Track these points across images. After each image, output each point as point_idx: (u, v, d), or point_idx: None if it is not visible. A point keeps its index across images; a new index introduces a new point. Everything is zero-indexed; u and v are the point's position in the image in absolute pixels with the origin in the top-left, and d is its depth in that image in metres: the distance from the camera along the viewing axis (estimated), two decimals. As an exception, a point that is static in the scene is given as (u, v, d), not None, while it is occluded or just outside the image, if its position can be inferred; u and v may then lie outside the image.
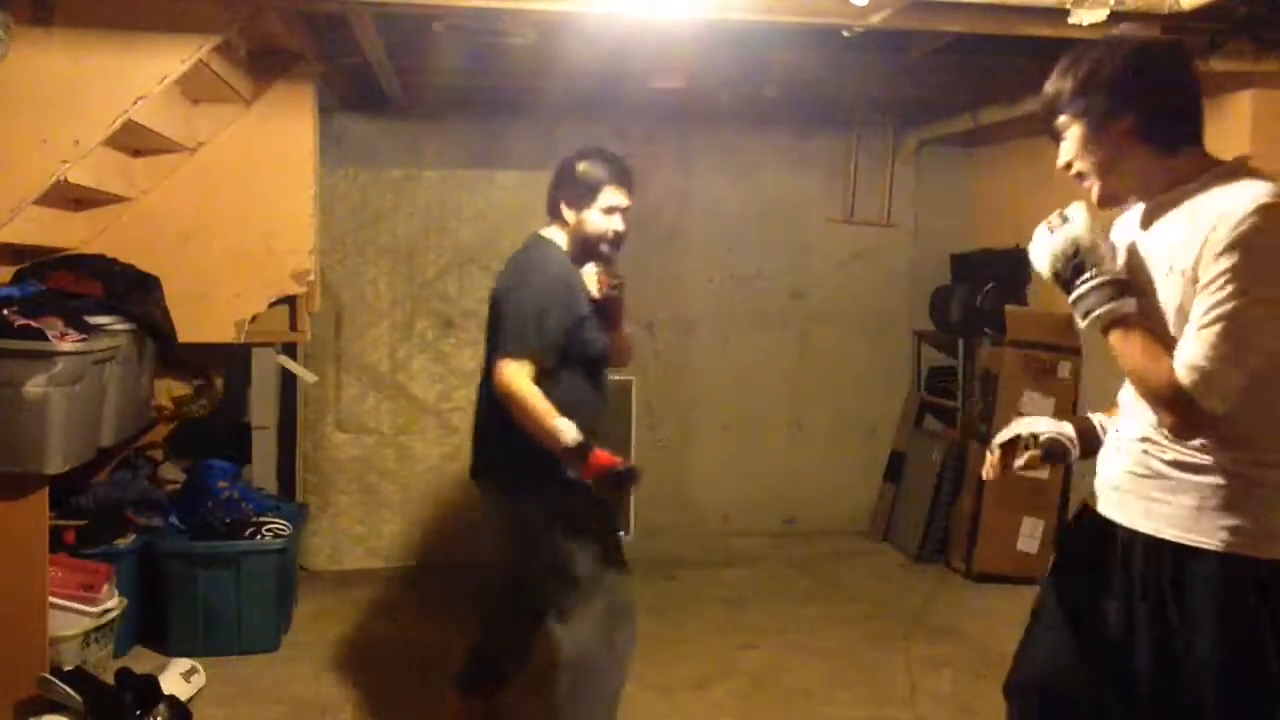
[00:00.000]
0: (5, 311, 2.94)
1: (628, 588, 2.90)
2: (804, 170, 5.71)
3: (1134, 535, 1.86)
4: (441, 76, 4.77)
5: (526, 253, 2.89)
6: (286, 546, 3.92)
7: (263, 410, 4.74)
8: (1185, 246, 1.73)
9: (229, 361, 4.51)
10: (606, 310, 2.89)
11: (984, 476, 2.06)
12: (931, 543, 5.23)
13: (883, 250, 5.80)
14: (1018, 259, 5.28)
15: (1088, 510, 2.01)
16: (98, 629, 3.34)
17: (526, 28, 3.77)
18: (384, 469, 5.05)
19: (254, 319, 3.93)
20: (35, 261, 3.51)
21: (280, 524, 3.92)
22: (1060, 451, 2.02)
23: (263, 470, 4.70)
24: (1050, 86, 1.87)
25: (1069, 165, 1.88)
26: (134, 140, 3.55)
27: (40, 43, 3.09)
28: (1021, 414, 4.73)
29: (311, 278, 4.01)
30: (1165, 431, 1.80)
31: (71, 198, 3.57)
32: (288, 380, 4.92)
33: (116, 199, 3.72)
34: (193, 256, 3.83)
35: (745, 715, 3.49)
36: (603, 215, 2.84)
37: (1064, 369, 4.87)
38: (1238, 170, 1.78)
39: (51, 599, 3.13)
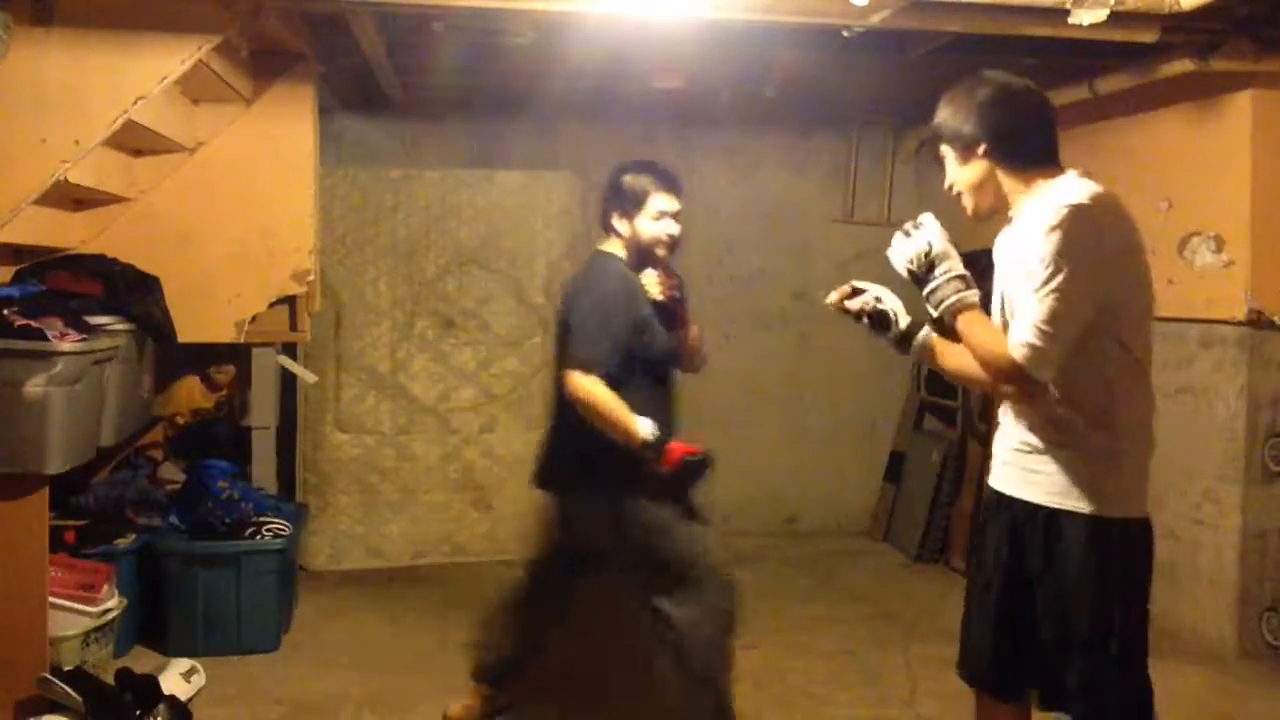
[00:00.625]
0: (5, 311, 2.94)
1: (716, 554, 3.09)
2: (804, 170, 5.71)
3: (1015, 503, 2.16)
4: (441, 76, 4.77)
5: (586, 268, 3.05)
6: (286, 546, 3.92)
7: (263, 410, 4.74)
8: (1024, 248, 2.06)
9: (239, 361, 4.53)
10: (672, 311, 3.01)
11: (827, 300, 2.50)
12: (931, 543, 5.23)
13: (883, 250, 5.74)
14: (1018, 259, 5.29)
15: (987, 486, 2.30)
16: (98, 629, 3.34)
17: (526, 28, 3.77)
18: (384, 469, 5.05)
19: (254, 319, 3.93)
20: (35, 261, 3.51)
21: (280, 524, 3.92)
22: (884, 322, 2.54)
23: (263, 470, 4.70)
24: (935, 119, 2.30)
25: (951, 186, 2.30)
26: (134, 140, 3.55)
27: (40, 43, 3.09)
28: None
29: (311, 278, 4.00)
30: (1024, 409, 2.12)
31: (71, 198, 3.57)
32: (288, 380, 4.91)
33: (116, 199, 3.72)
34: (193, 256, 3.83)
35: (745, 715, 3.48)
36: (653, 221, 2.98)
37: (1064, 369, 4.87)
38: (1068, 179, 2.12)
39: (51, 599, 3.12)
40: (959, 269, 2.21)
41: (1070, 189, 2.05)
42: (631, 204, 2.99)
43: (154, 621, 3.83)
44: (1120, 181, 4.57)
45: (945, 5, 3.25)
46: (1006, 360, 2.02)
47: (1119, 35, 3.40)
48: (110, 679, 3.21)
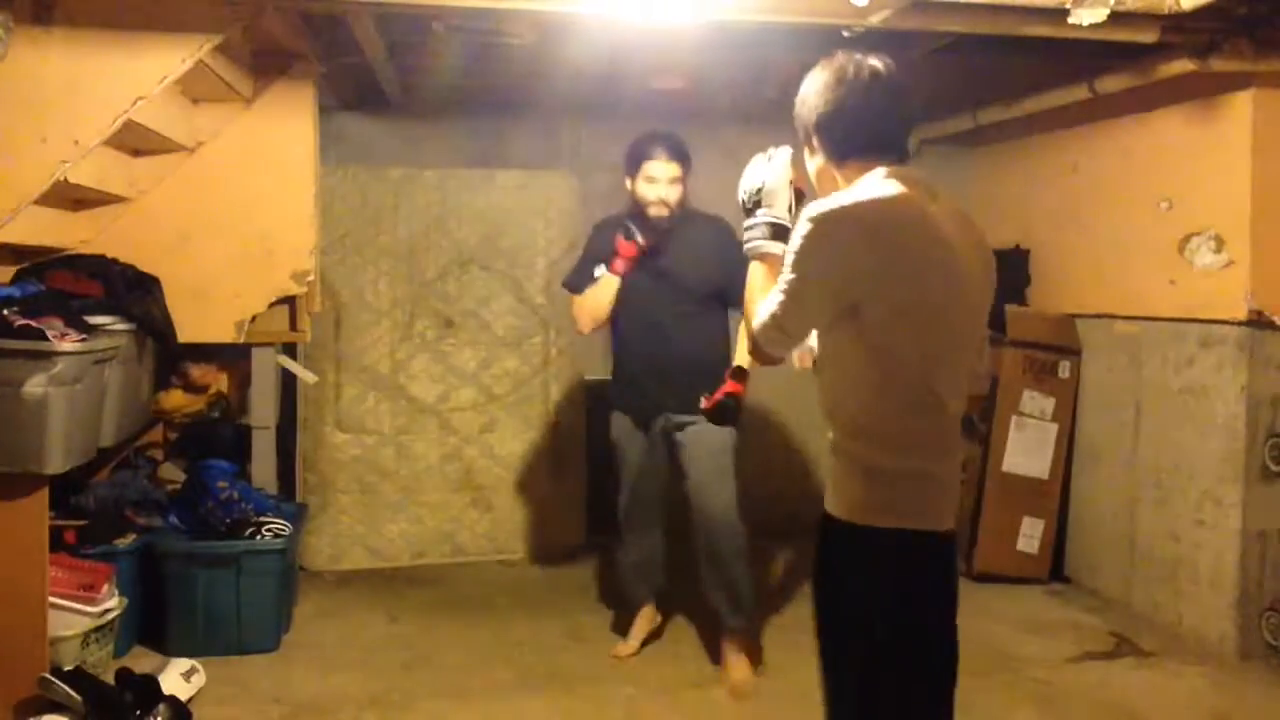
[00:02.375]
0: (5, 311, 2.94)
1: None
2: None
3: None
4: (441, 76, 4.77)
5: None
6: (286, 546, 3.91)
7: (263, 410, 4.74)
8: None
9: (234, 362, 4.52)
10: (638, 259, 3.58)
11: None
12: (931, 543, 5.22)
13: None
14: (1018, 259, 5.29)
15: None
16: (98, 629, 3.34)
17: (526, 28, 3.77)
18: (384, 469, 5.05)
19: (254, 319, 3.93)
20: (35, 261, 3.51)
21: (280, 524, 3.92)
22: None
23: (263, 470, 4.70)
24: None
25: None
26: (134, 140, 3.55)
27: (40, 43, 3.09)
28: (1022, 414, 4.80)
29: (311, 278, 4.00)
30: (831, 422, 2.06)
31: (71, 198, 3.57)
32: (288, 380, 4.91)
33: (116, 199, 3.72)
34: (192, 256, 3.83)
35: (746, 715, 3.48)
36: (645, 184, 3.54)
37: (1064, 369, 4.87)
38: (866, 179, 2.00)
39: (51, 599, 3.13)
40: (778, 215, 2.17)
41: (838, 194, 1.97)
42: (632, 166, 3.57)
43: (154, 621, 3.83)
44: (1120, 181, 4.61)
45: (945, 5, 3.25)
46: (755, 323, 2.04)
47: (1119, 35, 3.41)
48: (110, 679, 3.21)
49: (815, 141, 2.09)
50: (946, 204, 2.00)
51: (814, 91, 2.07)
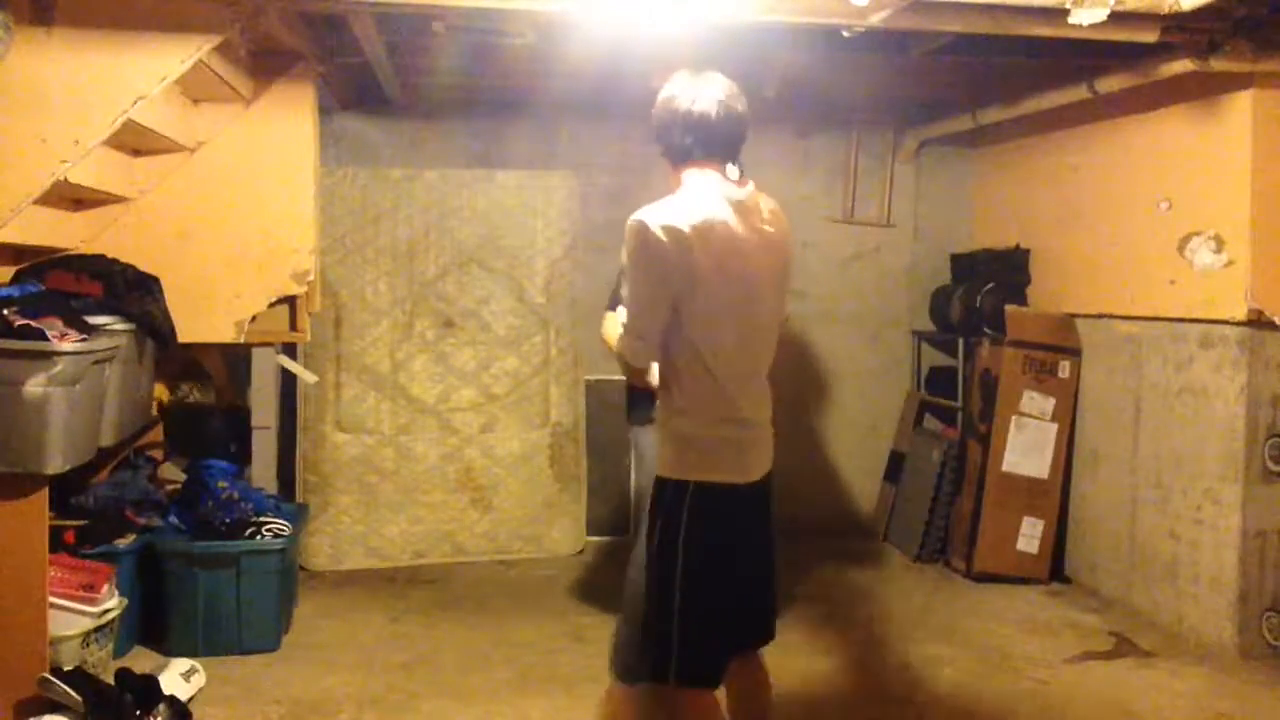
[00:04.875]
0: (5, 311, 2.94)
1: None
2: (804, 170, 5.71)
3: None
4: (441, 76, 4.77)
5: None
6: (286, 546, 3.91)
7: (263, 410, 4.74)
8: None
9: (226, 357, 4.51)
10: None
11: None
12: (931, 543, 5.23)
13: (883, 250, 5.81)
14: (1018, 259, 5.29)
15: None
16: (98, 629, 3.34)
17: (526, 28, 3.77)
18: (384, 469, 5.05)
19: (254, 319, 3.93)
20: (35, 261, 3.51)
21: (280, 524, 3.92)
22: None
23: (263, 470, 4.70)
24: None
25: None
26: (134, 140, 3.55)
27: (40, 43, 3.09)
28: (1022, 414, 4.80)
29: (311, 278, 4.00)
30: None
31: (71, 198, 3.57)
32: (288, 380, 4.91)
33: (116, 199, 3.72)
34: (193, 256, 3.83)
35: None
36: None
37: (1064, 369, 4.88)
38: (685, 186, 2.36)
39: (51, 599, 3.12)
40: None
41: (661, 203, 2.28)
42: None
43: (154, 621, 3.83)
44: (1120, 181, 4.61)
45: (945, 5, 3.24)
46: (616, 347, 2.41)
47: (1119, 35, 3.40)
48: (110, 679, 3.21)
49: (659, 147, 2.42)
50: (754, 207, 2.38)
51: (658, 103, 2.41)
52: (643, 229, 2.23)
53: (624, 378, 2.62)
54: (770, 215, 2.43)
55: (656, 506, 2.40)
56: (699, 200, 2.30)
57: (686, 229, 2.23)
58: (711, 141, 2.36)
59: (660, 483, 2.39)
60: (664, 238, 2.21)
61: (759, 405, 2.43)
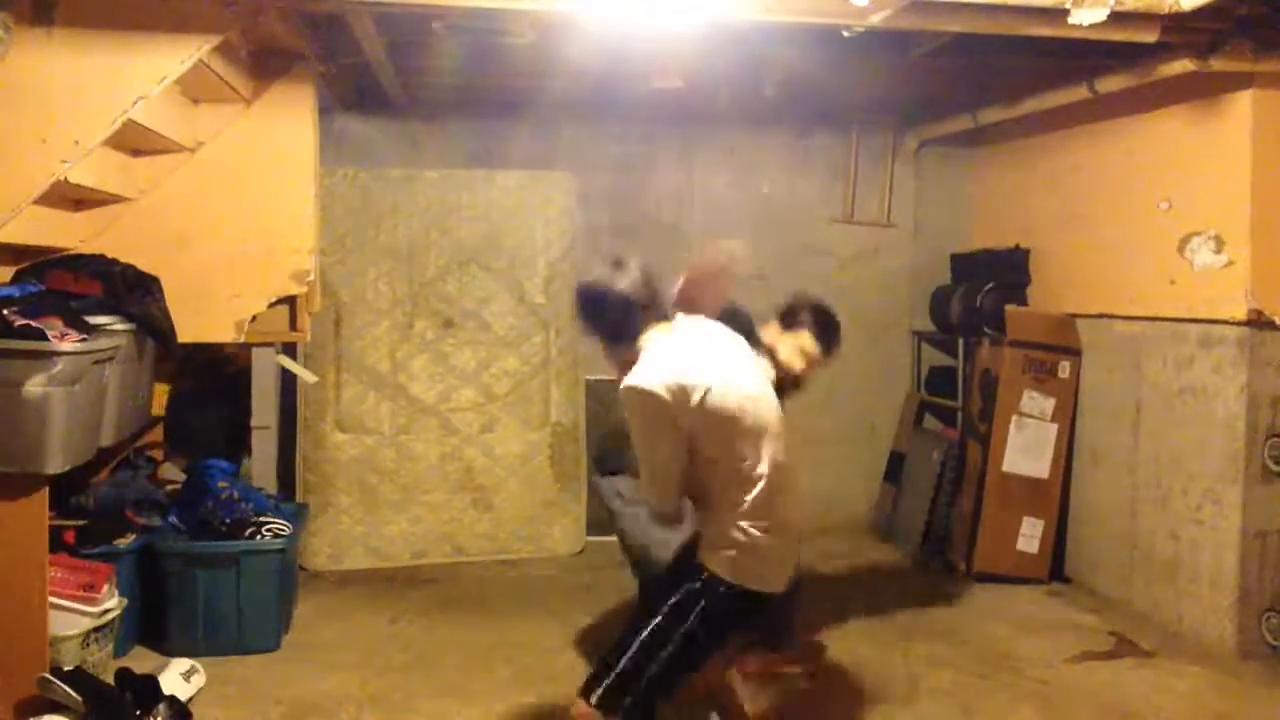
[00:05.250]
0: (5, 311, 2.94)
1: None
2: (804, 170, 5.71)
3: None
4: (441, 76, 4.77)
5: None
6: (286, 546, 3.91)
7: (263, 410, 4.74)
8: None
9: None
10: None
11: None
12: (931, 543, 5.23)
13: (883, 250, 5.80)
14: (1018, 259, 5.29)
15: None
16: (98, 629, 3.34)
17: (526, 28, 3.77)
18: (384, 469, 5.05)
19: (254, 319, 3.92)
20: (35, 261, 3.51)
21: (280, 524, 3.92)
22: None
23: (263, 470, 4.70)
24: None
25: None
26: (134, 140, 3.55)
27: (40, 43, 3.09)
28: (1022, 414, 4.80)
29: (311, 278, 4.00)
30: None
31: (71, 198, 3.57)
32: (288, 380, 4.91)
33: (116, 199, 3.72)
34: (193, 256, 3.83)
35: (745, 715, 3.48)
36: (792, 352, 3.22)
37: (1064, 369, 4.88)
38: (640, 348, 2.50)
39: (51, 599, 3.12)
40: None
41: (641, 363, 2.43)
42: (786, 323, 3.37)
43: (154, 621, 3.83)
44: (1120, 181, 4.61)
45: (945, 5, 3.24)
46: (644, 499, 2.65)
47: (1119, 35, 3.40)
48: (110, 679, 3.21)
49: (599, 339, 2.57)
50: (718, 332, 2.61)
51: (579, 307, 2.58)
52: (641, 394, 2.36)
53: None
54: (735, 337, 2.66)
55: (693, 594, 2.50)
56: (676, 346, 2.47)
57: (682, 372, 2.37)
58: (646, 310, 2.49)
59: (708, 578, 2.49)
60: (665, 394, 2.34)
61: (794, 518, 2.64)
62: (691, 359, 2.44)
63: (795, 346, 3.13)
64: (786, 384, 3.13)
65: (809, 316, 3.16)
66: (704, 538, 2.55)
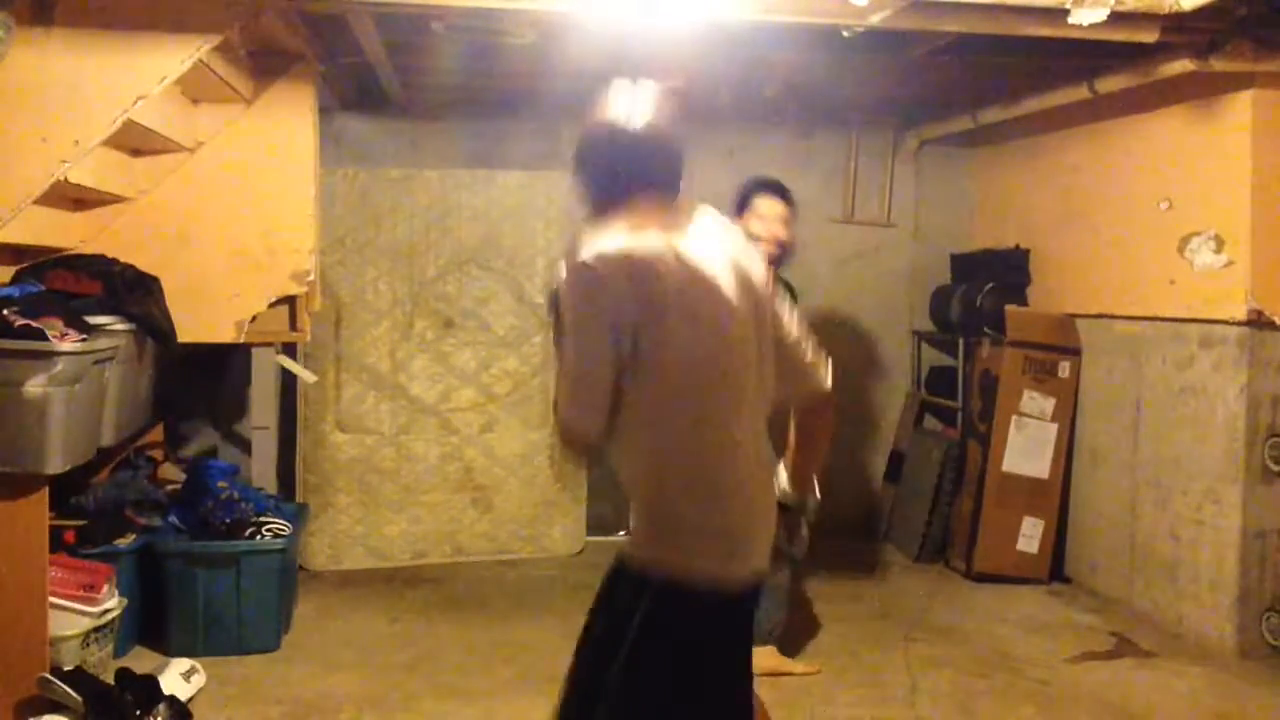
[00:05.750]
0: (5, 311, 2.94)
1: None
2: (804, 170, 5.70)
3: None
4: (441, 76, 4.77)
5: None
6: (286, 546, 3.91)
7: (263, 410, 4.74)
8: None
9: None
10: None
11: None
12: (931, 543, 5.23)
13: (883, 250, 5.80)
14: (1018, 259, 5.29)
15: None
16: (98, 629, 3.34)
17: (526, 28, 3.77)
18: (384, 469, 5.05)
19: (254, 319, 3.92)
20: (35, 261, 3.51)
21: (280, 524, 3.92)
22: None
23: (263, 470, 4.70)
24: None
25: None
26: (134, 140, 3.55)
27: (40, 43, 3.09)
28: (1022, 414, 4.80)
29: (311, 278, 4.00)
30: None
31: (71, 198, 3.57)
32: (288, 380, 4.91)
33: (116, 199, 3.72)
34: (193, 256, 3.83)
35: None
36: (757, 221, 3.52)
37: (1064, 369, 4.88)
38: (619, 219, 1.93)
39: (51, 599, 3.12)
40: None
41: (596, 242, 1.88)
42: (739, 205, 3.57)
43: (154, 621, 3.83)
44: (1120, 181, 4.61)
45: (945, 5, 3.24)
46: (555, 423, 1.99)
47: (1119, 35, 3.40)
48: (110, 679, 3.21)
49: (587, 184, 2.07)
50: (708, 231, 1.99)
51: (583, 135, 2.08)
52: (579, 268, 1.83)
53: None
54: (733, 235, 2.08)
55: (606, 596, 2.01)
56: (639, 224, 1.90)
57: (636, 254, 1.83)
58: (641, 172, 1.98)
59: (618, 567, 1.99)
60: (607, 271, 1.81)
61: (758, 472, 1.99)
62: (657, 243, 1.86)
63: (763, 216, 3.48)
64: (782, 257, 3.52)
65: (755, 188, 3.54)
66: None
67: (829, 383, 2.17)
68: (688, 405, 1.87)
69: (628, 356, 1.82)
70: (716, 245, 1.97)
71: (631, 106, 2.00)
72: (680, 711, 1.93)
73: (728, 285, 1.91)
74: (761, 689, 3.66)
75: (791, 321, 2.12)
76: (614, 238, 1.86)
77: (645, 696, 1.93)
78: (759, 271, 2.03)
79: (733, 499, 1.91)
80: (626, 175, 1.98)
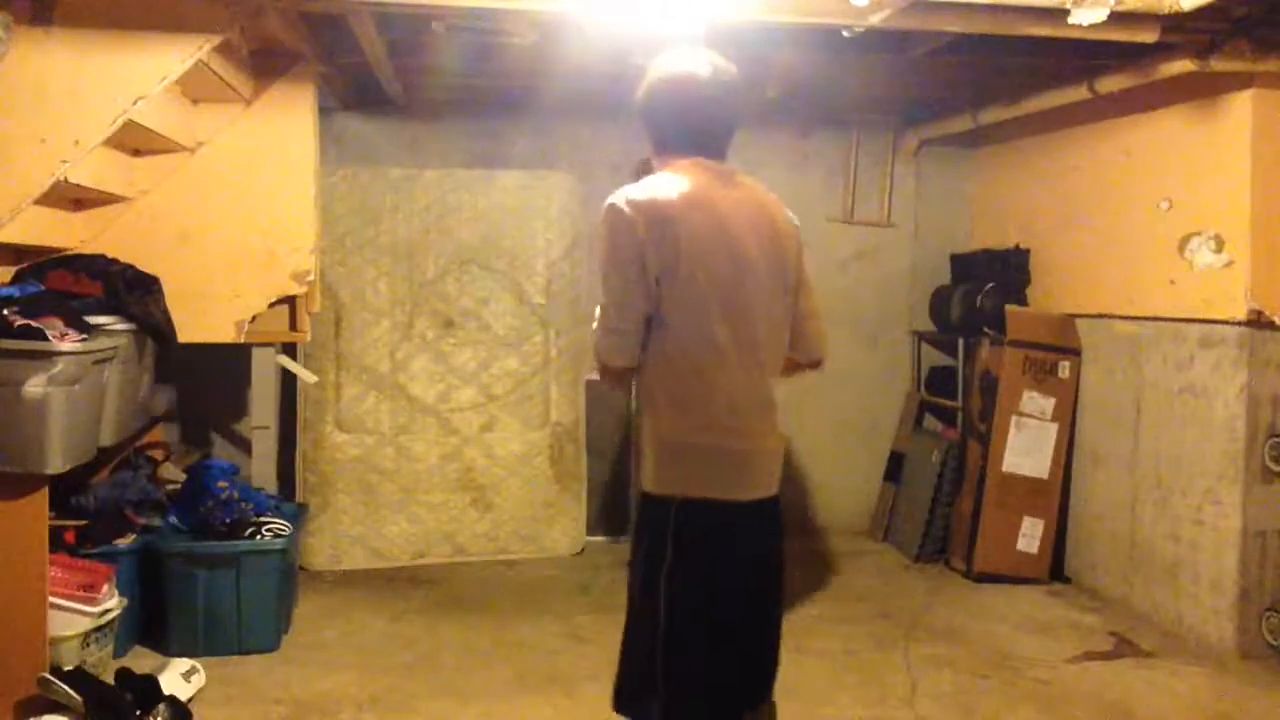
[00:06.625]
0: (5, 311, 2.94)
1: None
2: (804, 170, 5.71)
3: None
4: (441, 76, 4.77)
5: None
6: (286, 546, 3.91)
7: (263, 410, 4.74)
8: None
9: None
10: None
11: None
12: (931, 543, 5.23)
13: (883, 250, 5.81)
14: (1018, 259, 5.29)
15: None
16: (98, 629, 3.34)
17: (526, 28, 3.77)
18: (384, 469, 5.05)
19: (254, 319, 3.93)
20: (35, 261, 3.51)
21: (280, 524, 3.92)
22: None
23: (263, 470, 4.70)
24: None
25: None
26: (134, 140, 3.55)
27: (40, 43, 3.10)
28: (1022, 414, 4.80)
29: (311, 278, 4.00)
30: None
31: (71, 198, 3.57)
32: (288, 380, 4.91)
33: (116, 199, 3.72)
34: (193, 256, 3.83)
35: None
36: None
37: (1064, 369, 4.88)
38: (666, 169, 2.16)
39: (51, 599, 3.12)
40: None
41: (634, 185, 2.11)
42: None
43: (154, 621, 3.83)
44: (1120, 181, 4.61)
45: (945, 5, 3.24)
46: (592, 346, 2.18)
47: (1119, 35, 3.40)
48: (110, 679, 3.21)
49: (644, 131, 2.22)
50: (745, 192, 2.17)
51: (644, 85, 2.19)
52: (611, 209, 2.05)
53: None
54: (769, 201, 2.23)
55: (640, 528, 2.15)
56: (676, 176, 2.11)
57: (661, 201, 2.04)
58: (694, 131, 2.16)
59: (644, 500, 2.13)
60: (634, 214, 2.02)
61: (760, 413, 2.14)
62: (686, 193, 2.08)
63: None
64: None
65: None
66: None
67: (825, 352, 2.38)
68: (691, 346, 2.06)
69: (653, 291, 2.03)
70: (748, 206, 2.15)
71: (692, 66, 2.15)
72: (723, 608, 2.08)
73: (750, 243, 2.11)
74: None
75: (814, 294, 2.31)
76: (648, 184, 2.09)
77: (692, 602, 2.07)
78: (790, 240, 2.22)
79: (728, 431, 2.09)
80: (676, 129, 2.17)
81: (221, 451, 5.12)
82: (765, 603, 2.19)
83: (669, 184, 2.08)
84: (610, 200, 2.06)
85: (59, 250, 3.61)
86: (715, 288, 2.05)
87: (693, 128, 2.16)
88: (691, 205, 2.06)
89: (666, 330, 2.06)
